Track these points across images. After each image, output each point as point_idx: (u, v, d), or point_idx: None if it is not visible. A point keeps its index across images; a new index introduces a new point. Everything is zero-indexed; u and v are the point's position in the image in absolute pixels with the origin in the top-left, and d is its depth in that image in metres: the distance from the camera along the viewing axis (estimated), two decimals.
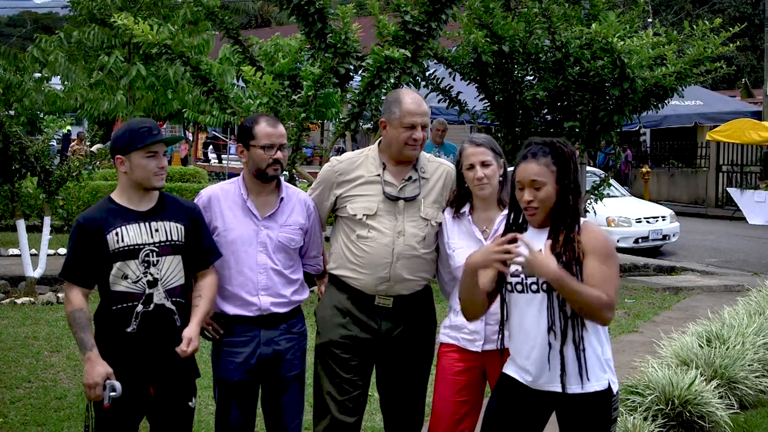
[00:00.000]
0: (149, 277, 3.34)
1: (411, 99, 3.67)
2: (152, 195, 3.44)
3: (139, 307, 3.32)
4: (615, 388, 3.11)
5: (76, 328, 3.28)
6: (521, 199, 3.07)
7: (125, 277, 3.31)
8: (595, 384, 3.06)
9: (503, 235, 3.19)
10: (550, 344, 3.04)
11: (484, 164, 3.52)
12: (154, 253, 3.35)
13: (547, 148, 3.07)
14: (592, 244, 3.02)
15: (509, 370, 3.21)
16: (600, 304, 2.94)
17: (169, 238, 3.39)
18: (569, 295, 2.95)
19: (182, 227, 3.43)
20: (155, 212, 3.41)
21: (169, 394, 3.42)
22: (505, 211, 3.53)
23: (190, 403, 3.51)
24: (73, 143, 22.13)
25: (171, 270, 3.39)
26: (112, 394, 3.24)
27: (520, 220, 3.18)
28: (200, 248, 3.50)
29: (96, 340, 3.30)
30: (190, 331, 3.39)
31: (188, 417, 3.53)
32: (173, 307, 3.39)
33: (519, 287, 3.10)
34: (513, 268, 3.06)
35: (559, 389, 3.05)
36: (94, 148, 17.38)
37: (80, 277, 3.33)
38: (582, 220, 3.09)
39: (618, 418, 3.16)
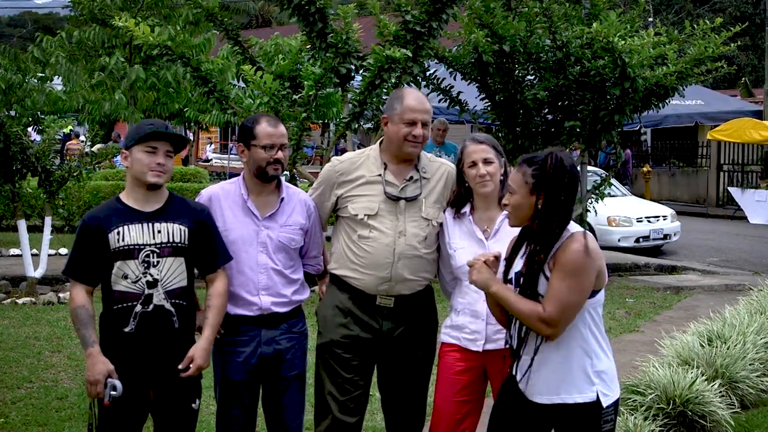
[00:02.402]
0: (149, 278, 3.34)
1: (413, 96, 3.69)
2: (160, 196, 3.44)
3: (138, 308, 3.32)
4: (607, 400, 3.04)
5: (78, 325, 3.30)
6: None
7: (125, 276, 3.32)
8: (578, 396, 3.02)
9: (514, 241, 3.21)
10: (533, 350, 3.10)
11: (487, 161, 3.53)
12: (155, 254, 3.35)
13: (536, 158, 3.06)
14: (560, 259, 2.98)
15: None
16: (531, 316, 2.97)
17: (171, 240, 3.39)
18: (502, 304, 3.08)
19: (186, 229, 3.43)
20: (160, 213, 3.41)
21: (171, 395, 3.42)
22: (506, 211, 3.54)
23: (193, 405, 3.50)
24: (69, 142, 22.14)
25: (172, 271, 3.39)
26: (113, 393, 3.24)
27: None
28: (207, 251, 3.50)
29: (99, 339, 3.33)
30: (196, 350, 3.42)
31: (191, 418, 3.52)
32: (172, 309, 3.38)
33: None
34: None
35: (530, 398, 3.10)
36: (94, 148, 17.37)
37: (83, 275, 3.35)
38: (573, 232, 3.03)
39: (613, 430, 3.13)
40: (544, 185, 3.00)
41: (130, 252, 3.32)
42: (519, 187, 3.04)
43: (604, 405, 3.03)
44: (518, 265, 3.12)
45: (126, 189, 3.45)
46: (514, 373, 3.17)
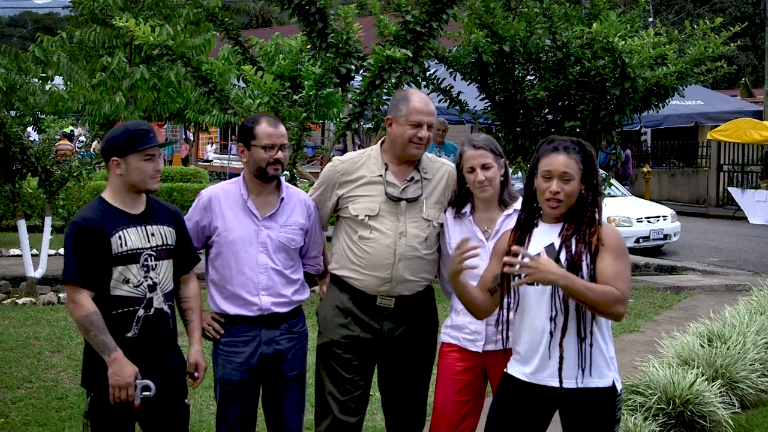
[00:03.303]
0: (149, 282, 3.34)
1: (419, 98, 3.68)
2: (142, 198, 3.43)
3: (141, 312, 3.32)
4: (619, 386, 3.12)
5: (95, 332, 3.21)
6: (547, 190, 3.08)
7: (127, 281, 3.30)
8: (598, 380, 3.06)
9: (514, 230, 3.20)
10: (551, 334, 3.06)
11: (485, 167, 3.52)
12: (152, 258, 3.35)
13: (577, 147, 3.13)
14: (607, 240, 3.06)
15: (511, 368, 3.22)
16: (610, 299, 2.96)
17: (165, 243, 3.40)
18: (577, 294, 2.96)
19: (173, 231, 3.45)
20: (148, 216, 3.40)
21: (166, 394, 3.42)
22: (506, 211, 3.55)
23: (186, 401, 3.52)
24: (59, 142, 22.04)
25: (166, 274, 3.41)
26: (146, 393, 3.24)
27: (533, 215, 3.20)
28: (185, 253, 3.53)
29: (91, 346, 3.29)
30: (197, 356, 3.49)
31: (186, 415, 3.55)
32: (169, 311, 3.41)
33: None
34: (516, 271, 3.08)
35: (556, 384, 3.06)
36: (93, 147, 17.37)
37: (89, 280, 3.26)
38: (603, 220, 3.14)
39: (621, 419, 3.15)
40: (590, 171, 3.10)
41: (132, 256, 3.31)
42: (576, 173, 3.08)
43: (618, 390, 3.10)
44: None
45: (111, 191, 3.37)
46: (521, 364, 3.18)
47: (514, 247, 3.06)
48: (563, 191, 3.07)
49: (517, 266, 2.97)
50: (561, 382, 3.05)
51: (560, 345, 3.04)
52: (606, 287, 2.97)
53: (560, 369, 3.04)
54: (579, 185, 3.10)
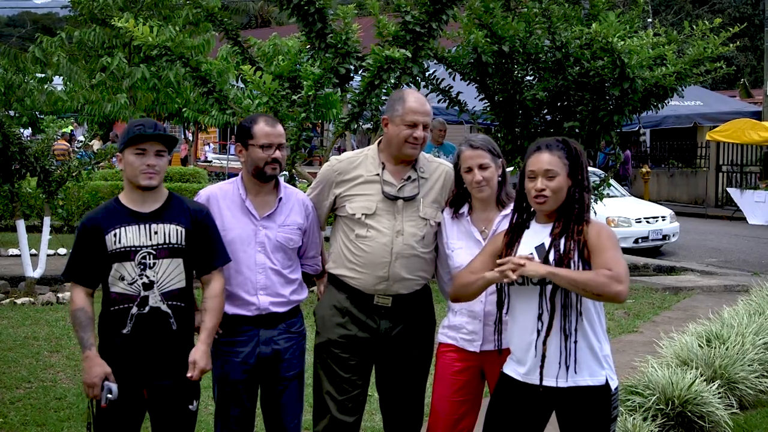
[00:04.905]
0: (145, 280, 3.33)
1: (414, 98, 3.69)
2: (158, 196, 3.42)
3: (134, 309, 3.32)
4: (614, 384, 3.11)
5: (77, 327, 3.31)
6: (533, 188, 3.11)
7: (122, 278, 3.31)
8: (590, 378, 3.06)
9: (507, 233, 3.21)
10: (539, 332, 3.07)
11: (482, 167, 3.52)
12: (151, 256, 3.34)
13: (560, 144, 3.15)
14: (599, 235, 3.06)
15: (507, 368, 3.23)
16: (602, 279, 2.95)
17: (167, 241, 3.38)
18: (568, 282, 2.98)
19: (183, 230, 3.41)
20: (158, 214, 3.39)
21: (167, 397, 3.42)
22: (504, 212, 3.55)
23: (190, 406, 3.48)
24: (56, 143, 22.00)
25: (168, 273, 3.37)
26: (109, 396, 3.25)
27: (525, 217, 3.21)
28: (204, 252, 3.47)
29: (99, 339, 3.34)
30: (196, 353, 3.41)
31: (189, 420, 3.51)
32: (169, 311, 3.37)
33: (520, 279, 3.12)
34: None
35: (538, 382, 3.07)
36: (95, 147, 17.39)
37: (82, 277, 3.35)
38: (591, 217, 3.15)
39: (618, 417, 3.15)
40: (576, 168, 3.12)
41: (126, 254, 3.31)
42: (561, 169, 3.10)
43: (612, 389, 3.09)
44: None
45: (124, 190, 3.44)
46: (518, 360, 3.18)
47: (499, 261, 3.09)
48: (548, 188, 3.10)
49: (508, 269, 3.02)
50: (541, 380, 3.07)
51: (544, 343, 3.05)
52: (594, 271, 2.99)
53: (542, 367, 3.06)
54: (566, 181, 3.12)
